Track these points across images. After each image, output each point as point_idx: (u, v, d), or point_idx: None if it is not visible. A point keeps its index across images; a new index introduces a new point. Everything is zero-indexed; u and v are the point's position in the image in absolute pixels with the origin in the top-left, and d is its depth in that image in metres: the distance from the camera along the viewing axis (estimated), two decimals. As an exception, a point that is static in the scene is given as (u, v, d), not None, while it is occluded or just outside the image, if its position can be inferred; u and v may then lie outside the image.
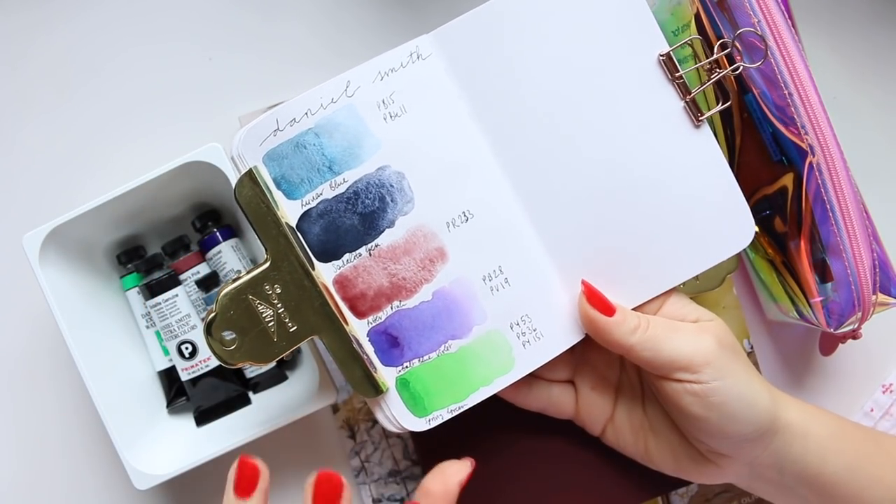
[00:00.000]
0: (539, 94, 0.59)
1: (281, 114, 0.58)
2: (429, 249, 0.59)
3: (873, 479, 0.61)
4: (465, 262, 0.59)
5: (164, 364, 0.73)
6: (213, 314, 0.57)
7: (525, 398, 0.65)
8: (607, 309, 0.58)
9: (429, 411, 0.60)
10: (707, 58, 0.60)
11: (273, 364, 0.66)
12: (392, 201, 0.58)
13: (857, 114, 0.78)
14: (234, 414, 0.72)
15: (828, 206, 0.63)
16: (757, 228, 0.68)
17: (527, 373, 0.60)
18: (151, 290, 0.70)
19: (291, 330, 0.57)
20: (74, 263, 0.69)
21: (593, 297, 0.58)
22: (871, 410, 0.77)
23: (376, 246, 0.58)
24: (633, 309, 0.60)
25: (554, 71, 0.59)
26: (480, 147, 0.59)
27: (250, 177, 0.57)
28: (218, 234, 0.71)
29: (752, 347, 0.76)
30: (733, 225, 0.60)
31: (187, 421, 0.73)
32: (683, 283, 0.61)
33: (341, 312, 0.58)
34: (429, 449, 0.72)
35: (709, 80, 0.60)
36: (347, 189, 0.58)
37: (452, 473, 0.58)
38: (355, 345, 0.58)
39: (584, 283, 0.59)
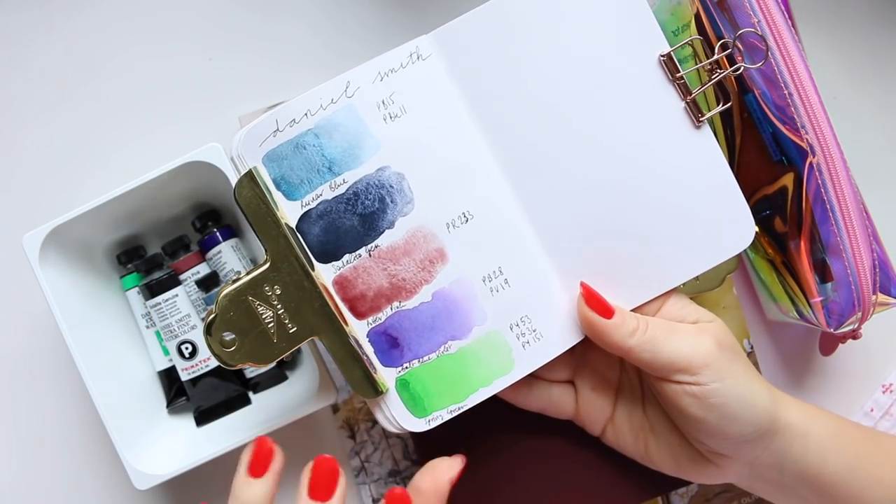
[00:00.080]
0: (539, 95, 0.59)
1: (280, 114, 0.58)
2: (428, 250, 0.59)
3: (873, 478, 0.61)
4: (464, 262, 0.59)
5: (164, 364, 0.73)
6: (212, 315, 0.57)
7: (525, 398, 0.65)
8: (606, 311, 0.58)
9: (428, 412, 0.60)
10: (708, 58, 0.60)
11: (273, 364, 0.65)
12: (392, 202, 0.58)
13: (857, 114, 0.78)
14: (234, 414, 0.72)
15: (828, 206, 0.63)
16: (757, 228, 0.68)
17: (526, 374, 0.60)
18: (151, 290, 0.70)
19: (291, 331, 0.57)
20: (74, 263, 0.69)
21: (592, 299, 0.58)
22: (871, 410, 0.77)
23: (376, 247, 0.58)
24: (632, 310, 0.60)
25: (554, 71, 0.59)
26: (480, 147, 0.59)
27: (250, 178, 0.57)
28: (218, 234, 0.71)
29: (752, 347, 0.76)
30: (733, 226, 0.60)
31: (187, 421, 0.73)
32: (683, 284, 0.61)
33: (341, 313, 0.58)
34: (429, 449, 0.72)
35: (709, 81, 0.60)
36: (347, 190, 0.58)
37: (443, 471, 0.58)
38: (355, 346, 0.58)
39: (582, 284, 0.59)
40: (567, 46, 0.58)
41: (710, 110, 0.59)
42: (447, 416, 0.60)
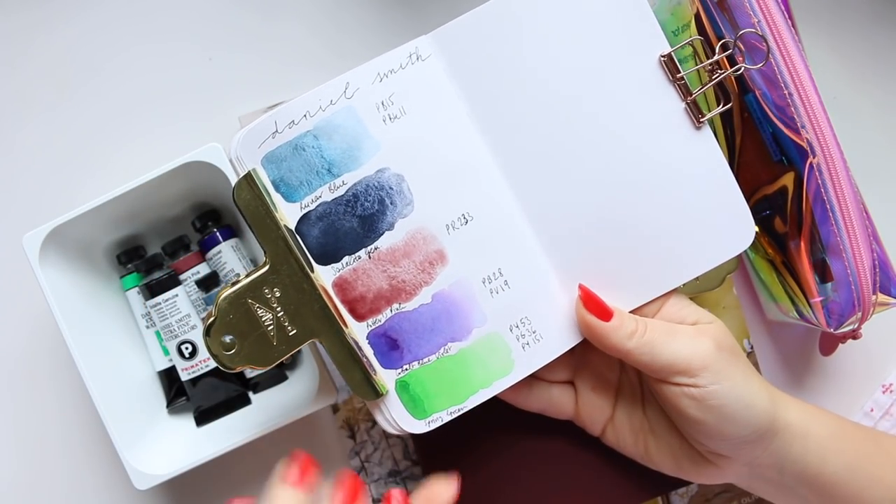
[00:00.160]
0: (539, 96, 0.59)
1: (279, 116, 0.57)
2: (428, 252, 0.59)
3: (873, 478, 0.61)
4: (464, 264, 0.59)
5: (164, 364, 0.73)
6: (212, 318, 0.57)
7: (525, 399, 0.65)
8: (604, 313, 0.58)
9: (428, 413, 0.60)
10: (708, 58, 0.60)
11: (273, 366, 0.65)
12: (391, 204, 0.58)
13: (857, 114, 0.78)
14: (234, 414, 0.72)
15: (828, 206, 0.63)
16: (757, 228, 0.68)
17: (526, 375, 0.60)
18: (151, 290, 0.70)
19: (291, 333, 0.57)
20: (74, 263, 0.69)
21: (590, 302, 0.58)
22: (871, 410, 0.77)
23: (376, 248, 0.58)
24: (632, 311, 0.60)
25: (554, 72, 0.59)
26: (480, 149, 0.59)
27: (249, 180, 0.57)
28: (218, 234, 0.71)
29: (752, 347, 0.76)
30: (733, 227, 0.60)
31: (187, 421, 0.73)
32: (683, 284, 0.61)
33: (341, 315, 0.58)
34: (429, 449, 0.72)
35: (710, 82, 0.59)
36: (346, 191, 0.58)
37: (438, 494, 0.58)
38: (355, 348, 0.58)
39: (581, 287, 0.59)
40: (567, 47, 0.58)
41: (710, 111, 0.59)
42: (447, 418, 0.60)
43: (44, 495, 0.76)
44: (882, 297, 0.66)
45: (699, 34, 0.66)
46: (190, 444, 0.70)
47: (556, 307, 0.60)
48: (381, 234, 0.58)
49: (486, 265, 0.59)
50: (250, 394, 0.73)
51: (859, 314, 0.66)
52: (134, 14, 0.77)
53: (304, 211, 0.58)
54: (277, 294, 0.57)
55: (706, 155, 0.59)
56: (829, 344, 0.73)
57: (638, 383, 0.65)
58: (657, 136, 0.59)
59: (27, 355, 0.76)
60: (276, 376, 0.72)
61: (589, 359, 0.66)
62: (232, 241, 0.71)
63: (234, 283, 0.57)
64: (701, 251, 0.60)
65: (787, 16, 0.62)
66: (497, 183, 0.59)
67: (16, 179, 0.77)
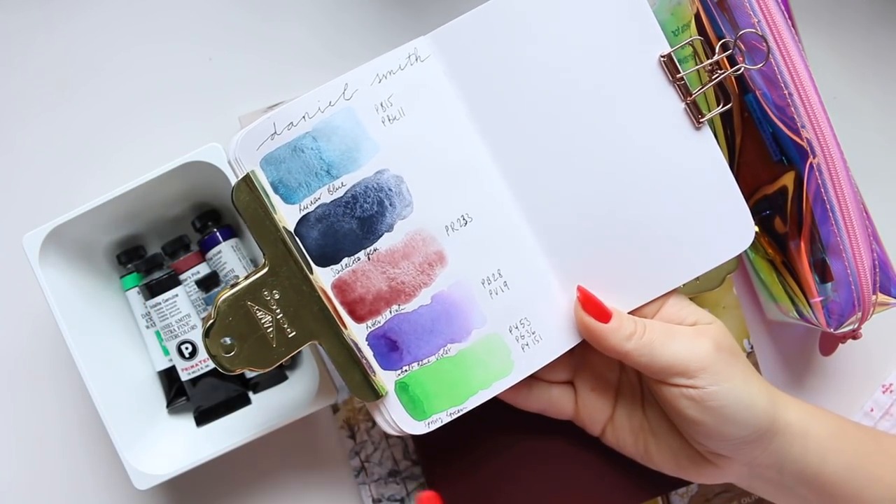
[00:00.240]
0: (538, 96, 0.59)
1: (278, 117, 0.57)
2: (428, 253, 0.59)
3: (873, 478, 0.61)
4: (464, 265, 0.59)
5: (164, 364, 0.73)
6: (211, 321, 0.57)
7: (525, 399, 0.65)
8: (603, 315, 0.58)
9: (428, 414, 0.60)
10: (708, 58, 0.60)
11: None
12: (391, 205, 0.58)
13: (857, 114, 0.78)
14: (234, 414, 0.72)
15: (828, 206, 0.63)
16: (757, 228, 0.68)
17: (526, 376, 0.60)
18: (151, 290, 0.70)
19: (290, 335, 0.57)
20: (74, 263, 0.69)
21: (588, 304, 0.58)
22: (871, 410, 0.77)
23: (375, 250, 0.58)
24: (632, 311, 0.60)
25: (553, 72, 0.58)
26: (479, 149, 0.59)
27: (247, 182, 0.57)
28: (218, 234, 0.71)
29: (752, 347, 0.76)
30: (733, 227, 0.60)
31: (187, 421, 0.73)
32: (683, 284, 0.61)
33: (340, 317, 0.58)
34: (429, 449, 0.72)
35: (710, 82, 0.59)
36: (346, 193, 0.58)
37: None
38: (354, 349, 0.58)
39: (579, 289, 0.59)
40: (566, 47, 0.58)
41: (710, 111, 0.59)
42: (447, 419, 0.60)
43: (44, 495, 0.76)
44: (882, 297, 0.66)
45: (699, 34, 0.66)
46: (190, 444, 0.70)
47: (556, 308, 0.60)
48: (381, 236, 0.58)
49: (486, 266, 0.59)
50: (250, 394, 0.73)
51: (859, 314, 0.66)
52: (134, 14, 0.77)
53: (304, 213, 0.58)
54: (276, 296, 0.57)
55: (706, 155, 0.59)
56: (829, 344, 0.73)
57: (638, 384, 0.65)
58: (657, 136, 0.59)
59: (27, 355, 0.76)
60: (276, 376, 0.72)
61: (588, 359, 0.66)
62: (232, 241, 0.71)
63: (233, 286, 0.57)
64: (701, 251, 0.60)
65: (787, 16, 0.62)
66: (496, 184, 0.59)
67: (16, 179, 0.76)
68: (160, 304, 0.70)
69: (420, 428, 0.60)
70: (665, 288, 0.60)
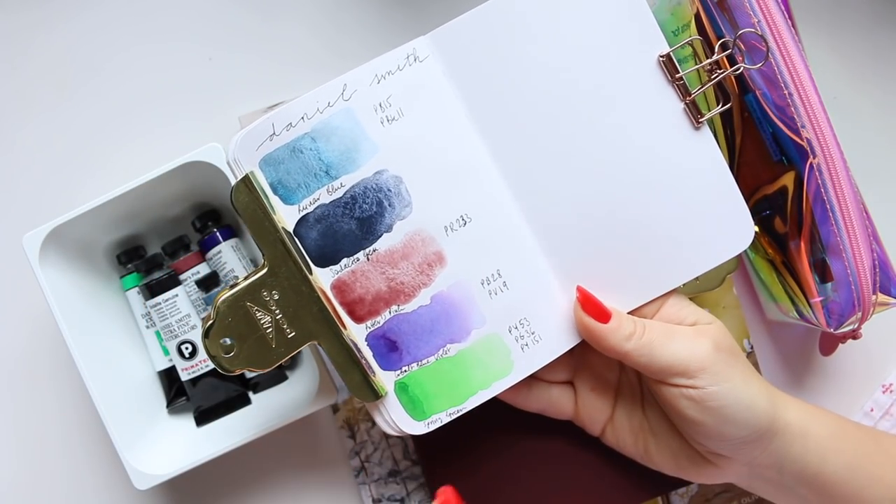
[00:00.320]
0: (538, 96, 0.59)
1: (277, 118, 0.57)
2: (427, 254, 0.59)
3: (873, 478, 0.61)
4: (463, 265, 0.59)
5: (164, 364, 0.73)
6: (210, 321, 0.57)
7: (525, 399, 0.65)
8: (602, 315, 0.58)
9: (428, 415, 0.60)
10: (708, 58, 0.60)
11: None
12: (390, 206, 0.58)
13: (857, 114, 0.78)
14: (234, 414, 0.72)
15: (828, 206, 0.63)
16: (757, 228, 0.68)
17: (525, 376, 0.60)
18: (151, 290, 0.70)
19: (290, 336, 0.57)
20: (74, 263, 0.69)
21: (588, 304, 0.58)
22: (871, 410, 0.77)
23: (374, 250, 0.58)
24: (632, 311, 0.60)
25: (553, 72, 0.58)
26: (478, 150, 0.59)
27: (246, 182, 0.57)
28: (218, 234, 0.71)
29: (752, 347, 0.76)
30: (733, 227, 0.60)
31: (187, 421, 0.73)
32: (683, 284, 0.61)
33: (339, 317, 0.58)
34: (429, 449, 0.72)
35: (709, 81, 0.59)
36: (345, 194, 0.58)
37: None
38: (354, 350, 0.58)
39: (579, 289, 0.59)
40: (566, 47, 0.58)
41: (709, 111, 0.59)
42: (446, 419, 0.60)
43: (44, 495, 0.76)
44: (882, 297, 0.66)
45: (699, 34, 0.66)
46: (190, 444, 0.70)
47: (556, 308, 0.60)
48: (380, 236, 0.58)
49: (485, 266, 0.59)
50: (250, 394, 0.73)
51: (859, 314, 0.66)
52: (134, 14, 0.77)
53: (303, 213, 0.58)
54: (276, 296, 0.57)
55: (705, 155, 0.59)
56: (829, 344, 0.73)
57: (637, 384, 0.65)
58: (656, 136, 0.59)
59: (27, 355, 0.76)
60: (276, 376, 0.72)
61: (588, 359, 0.66)
62: (232, 241, 0.71)
63: (232, 286, 0.57)
64: (701, 251, 0.60)
65: (787, 16, 0.62)
66: (496, 184, 0.59)
67: (16, 179, 0.76)
68: (160, 304, 0.70)
69: (420, 428, 0.60)
70: (665, 288, 0.60)
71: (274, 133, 0.57)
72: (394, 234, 0.58)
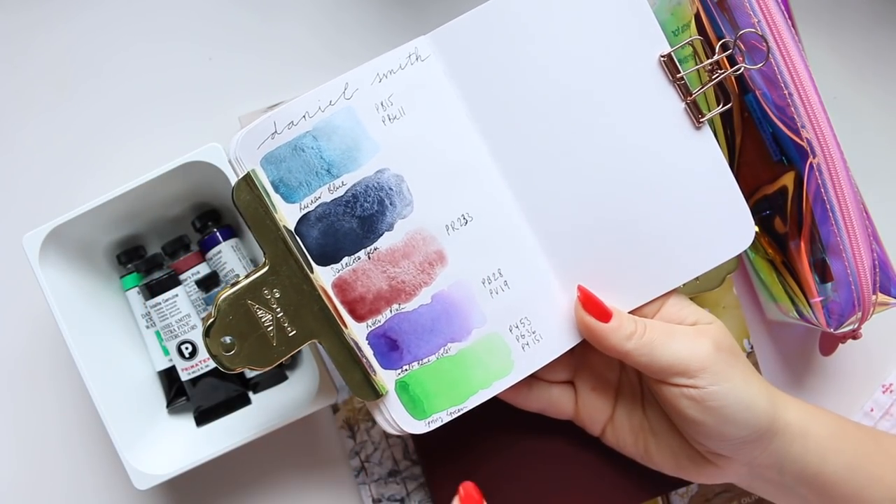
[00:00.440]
0: (538, 96, 0.59)
1: (278, 117, 0.57)
2: (428, 253, 0.59)
3: (873, 478, 0.61)
4: (464, 265, 0.59)
5: (164, 364, 0.73)
6: (211, 319, 0.57)
7: (525, 399, 0.65)
8: (603, 314, 0.58)
9: (428, 414, 0.60)
10: (708, 58, 0.60)
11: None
12: (391, 204, 0.58)
13: (857, 114, 0.78)
14: (234, 414, 0.72)
15: (828, 206, 0.63)
16: (757, 228, 0.68)
17: (526, 375, 0.60)
18: (151, 290, 0.70)
19: (290, 334, 0.57)
20: (74, 263, 0.69)
21: (589, 303, 0.58)
22: (871, 410, 0.77)
23: (375, 249, 0.58)
24: (632, 311, 0.60)
25: (554, 72, 0.58)
26: (479, 149, 0.59)
27: (248, 181, 0.57)
28: (218, 234, 0.71)
29: (752, 347, 0.76)
30: (733, 227, 0.60)
31: (187, 421, 0.73)
32: (683, 284, 0.61)
33: (340, 316, 0.58)
34: (429, 449, 0.72)
35: (710, 82, 0.59)
36: (346, 192, 0.58)
37: None
38: (354, 348, 0.58)
39: (579, 288, 0.59)
40: (567, 47, 0.58)
41: (710, 111, 0.59)
42: (447, 418, 0.60)
43: (44, 495, 0.76)
44: (882, 297, 0.66)
45: (699, 34, 0.66)
46: (190, 444, 0.70)
47: (556, 307, 0.60)
48: (381, 235, 0.58)
49: (486, 266, 0.59)
50: (250, 394, 0.73)
51: (859, 314, 0.66)
52: (134, 13, 0.77)
53: (304, 212, 0.58)
54: (277, 295, 0.57)
55: (706, 155, 0.59)
56: (829, 344, 0.73)
57: (638, 383, 0.65)
58: (657, 136, 0.59)
59: (27, 355, 0.76)
60: (276, 376, 0.72)
61: (589, 359, 0.66)
62: (232, 241, 0.71)
63: (233, 285, 0.57)
64: (701, 251, 0.60)
65: (787, 16, 0.62)
66: (496, 183, 0.59)
67: (16, 179, 0.76)
68: (160, 304, 0.70)
69: (420, 427, 0.60)
70: (665, 288, 0.60)
71: (275, 131, 0.57)
72: (395, 232, 0.58)
